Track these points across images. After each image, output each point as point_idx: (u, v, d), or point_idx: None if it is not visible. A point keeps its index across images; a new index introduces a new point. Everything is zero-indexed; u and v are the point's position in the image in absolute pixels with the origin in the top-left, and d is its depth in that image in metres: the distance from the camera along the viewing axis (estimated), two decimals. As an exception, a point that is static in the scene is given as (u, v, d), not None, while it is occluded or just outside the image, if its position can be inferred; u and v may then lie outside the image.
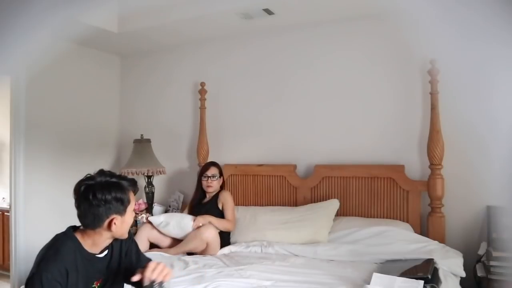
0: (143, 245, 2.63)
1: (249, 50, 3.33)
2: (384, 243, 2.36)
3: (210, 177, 2.91)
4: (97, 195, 1.36)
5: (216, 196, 2.92)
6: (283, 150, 3.16)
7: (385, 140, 2.81)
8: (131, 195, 1.46)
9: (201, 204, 2.95)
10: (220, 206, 2.87)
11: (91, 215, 1.39)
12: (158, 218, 2.79)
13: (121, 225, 1.43)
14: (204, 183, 2.93)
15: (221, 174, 2.98)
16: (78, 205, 1.40)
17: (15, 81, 3.15)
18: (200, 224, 2.67)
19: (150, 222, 2.80)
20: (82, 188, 1.39)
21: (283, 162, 3.12)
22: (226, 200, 2.87)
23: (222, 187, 2.99)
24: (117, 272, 1.54)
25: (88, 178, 1.42)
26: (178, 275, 2.02)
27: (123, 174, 3.21)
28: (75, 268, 1.38)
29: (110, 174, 1.45)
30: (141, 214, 2.91)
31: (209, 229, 2.61)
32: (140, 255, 1.62)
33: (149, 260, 1.58)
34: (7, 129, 3.27)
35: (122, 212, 1.42)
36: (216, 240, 2.62)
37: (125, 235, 1.50)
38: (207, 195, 2.96)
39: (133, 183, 1.48)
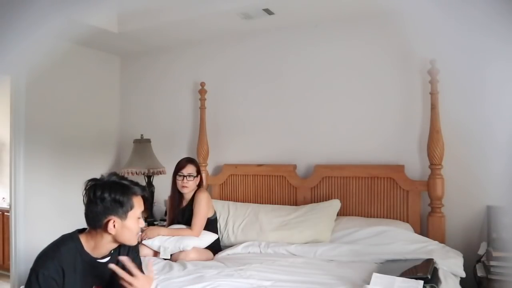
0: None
1: (249, 50, 3.33)
2: (384, 243, 2.36)
3: (186, 176, 2.62)
4: (97, 192, 1.38)
5: (193, 199, 2.64)
6: (283, 150, 3.15)
7: (385, 140, 2.81)
8: (136, 201, 1.44)
9: (179, 210, 2.69)
10: None
11: (90, 212, 1.41)
12: (153, 242, 2.46)
13: (121, 229, 1.41)
14: (178, 183, 2.65)
15: (198, 172, 2.70)
16: (85, 202, 1.43)
17: (15, 81, 3.15)
18: (146, 239, 2.43)
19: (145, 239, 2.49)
20: (88, 185, 1.42)
21: (283, 162, 3.12)
22: (198, 203, 2.58)
23: (199, 186, 2.72)
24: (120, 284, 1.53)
25: (99, 177, 1.44)
26: (177, 276, 2.02)
27: (123, 174, 3.22)
28: (73, 269, 1.38)
29: (121, 177, 1.46)
30: None
31: (190, 254, 2.39)
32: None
33: None
34: (7, 129, 3.26)
35: (121, 215, 1.41)
36: (204, 255, 2.48)
37: (130, 242, 1.48)
38: (184, 198, 2.70)
39: (142, 188, 1.47)
